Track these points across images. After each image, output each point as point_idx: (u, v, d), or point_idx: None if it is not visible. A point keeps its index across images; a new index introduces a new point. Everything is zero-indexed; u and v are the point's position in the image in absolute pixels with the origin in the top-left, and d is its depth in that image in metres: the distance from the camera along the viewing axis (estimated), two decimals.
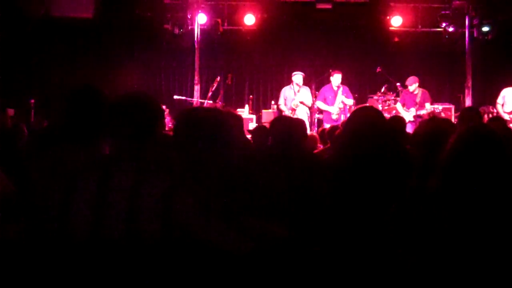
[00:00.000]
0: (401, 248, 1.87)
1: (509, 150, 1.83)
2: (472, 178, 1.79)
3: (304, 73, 9.94)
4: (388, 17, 10.92)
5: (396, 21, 10.87)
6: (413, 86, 9.47)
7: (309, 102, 9.80)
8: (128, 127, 1.91)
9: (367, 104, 9.80)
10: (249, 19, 10.92)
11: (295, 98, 9.65)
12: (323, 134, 6.28)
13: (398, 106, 9.67)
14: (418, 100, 9.38)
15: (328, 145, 5.53)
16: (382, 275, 2.24)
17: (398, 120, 5.15)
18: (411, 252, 1.83)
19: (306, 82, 9.93)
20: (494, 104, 9.42)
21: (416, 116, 9.30)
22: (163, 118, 2.09)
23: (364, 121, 2.73)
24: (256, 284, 2.10)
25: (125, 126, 1.91)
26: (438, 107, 9.58)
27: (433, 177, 1.92)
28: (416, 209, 1.86)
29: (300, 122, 3.70)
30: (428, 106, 9.35)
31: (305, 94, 9.79)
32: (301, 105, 9.69)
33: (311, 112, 10.09)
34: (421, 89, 9.51)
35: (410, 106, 9.49)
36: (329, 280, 2.53)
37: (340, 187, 2.69)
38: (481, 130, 1.87)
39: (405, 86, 9.68)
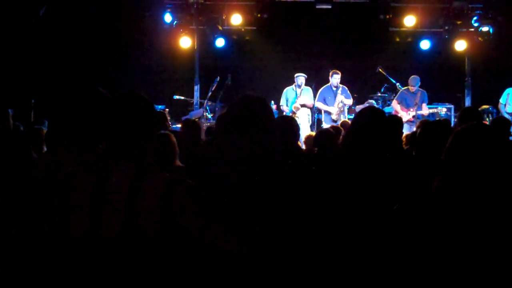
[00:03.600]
0: (402, 249, 1.87)
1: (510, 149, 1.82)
2: (472, 178, 1.79)
3: (304, 73, 9.94)
4: (388, 17, 10.91)
5: (396, 21, 10.87)
6: (416, 86, 9.45)
7: (311, 103, 9.81)
8: (125, 127, 1.91)
9: (368, 105, 9.81)
10: (249, 19, 10.92)
11: (297, 101, 9.65)
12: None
13: (395, 105, 9.64)
14: (417, 100, 9.37)
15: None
16: (383, 275, 2.23)
17: (396, 120, 5.17)
18: (412, 253, 1.83)
19: (306, 82, 9.93)
20: (494, 104, 9.41)
21: (414, 117, 9.29)
22: (160, 118, 2.10)
23: (369, 122, 2.75)
24: (254, 284, 2.09)
25: (122, 126, 1.91)
26: (439, 107, 9.55)
27: (435, 177, 1.92)
28: (418, 210, 1.86)
29: (294, 122, 3.76)
30: (425, 107, 9.35)
31: (307, 95, 9.79)
32: (302, 107, 9.70)
33: (311, 113, 10.10)
34: (420, 89, 9.51)
35: (409, 106, 9.47)
36: (329, 280, 2.53)
37: (341, 187, 2.69)
38: (479, 129, 1.86)
39: (405, 85, 9.67)
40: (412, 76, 9.54)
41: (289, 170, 2.26)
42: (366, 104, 10.04)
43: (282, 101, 9.93)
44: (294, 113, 9.59)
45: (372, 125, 2.72)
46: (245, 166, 2.12)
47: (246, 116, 2.18)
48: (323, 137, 4.91)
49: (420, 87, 9.54)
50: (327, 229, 2.60)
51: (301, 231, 2.45)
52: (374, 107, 4.18)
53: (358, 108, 10.17)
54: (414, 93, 9.46)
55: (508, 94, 9.20)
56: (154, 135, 2.01)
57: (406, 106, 9.50)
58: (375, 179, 2.62)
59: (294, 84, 9.89)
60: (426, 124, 3.37)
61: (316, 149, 5.87)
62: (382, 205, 2.34)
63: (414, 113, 9.31)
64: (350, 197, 2.63)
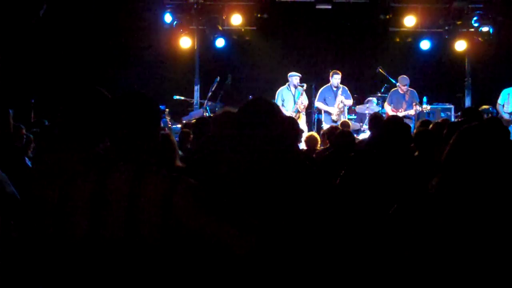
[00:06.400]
0: (402, 248, 1.87)
1: (508, 149, 1.82)
2: (472, 177, 1.79)
3: (304, 73, 9.91)
4: (388, 17, 10.91)
5: (396, 21, 10.87)
6: (405, 86, 9.47)
7: (306, 102, 9.79)
8: (126, 127, 1.90)
9: (369, 104, 9.82)
10: (249, 19, 10.93)
11: (298, 102, 9.55)
12: (323, 134, 6.37)
13: (387, 107, 9.64)
14: (406, 100, 9.42)
15: (328, 145, 5.57)
16: (383, 275, 2.24)
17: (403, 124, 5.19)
18: (412, 252, 1.82)
19: (307, 83, 9.90)
20: (494, 104, 9.39)
21: (404, 117, 9.27)
22: (161, 118, 2.10)
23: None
24: (256, 282, 2.09)
25: (123, 126, 1.91)
26: (427, 107, 9.50)
27: (434, 176, 1.92)
28: (417, 209, 1.86)
29: (295, 122, 3.77)
30: (415, 107, 9.35)
31: (304, 96, 9.75)
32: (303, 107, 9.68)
33: (310, 112, 10.08)
34: (409, 89, 9.52)
35: (398, 106, 9.49)
36: (330, 279, 2.53)
37: (344, 186, 2.69)
38: (482, 129, 1.86)
39: (394, 86, 9.67)
40: (401, 76, 9.56)
41: (291, 170, 2.27)
42: (366, 104, 10.03)
43: (278, 102, 9.87)
44: (299, 112, 9.53)
45: (396, 135, 2.74)
46: (256, 155, 2.12)
47: (255, 114, 2.20)
48: (342, 139, 4.88)
49: (420, 87, 9.56)
50: (326, 228, 2.60)
51: (301, 230, 2.44)
52: (400, 118, 4.40)
53: (358, 108, 10.17)
54: (404, 94, 9.50)
55: (509, 94, 9.16)
56: (158, 135, 2.00)
57: (396, 107, 9.52)
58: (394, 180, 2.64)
59: (287, 84, 9.80)
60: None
61: (318, 148, 5.90)
62: (382, 204, 2.34)
63: (402, 114, 9.29)
64: (368, 197, 2.64)
